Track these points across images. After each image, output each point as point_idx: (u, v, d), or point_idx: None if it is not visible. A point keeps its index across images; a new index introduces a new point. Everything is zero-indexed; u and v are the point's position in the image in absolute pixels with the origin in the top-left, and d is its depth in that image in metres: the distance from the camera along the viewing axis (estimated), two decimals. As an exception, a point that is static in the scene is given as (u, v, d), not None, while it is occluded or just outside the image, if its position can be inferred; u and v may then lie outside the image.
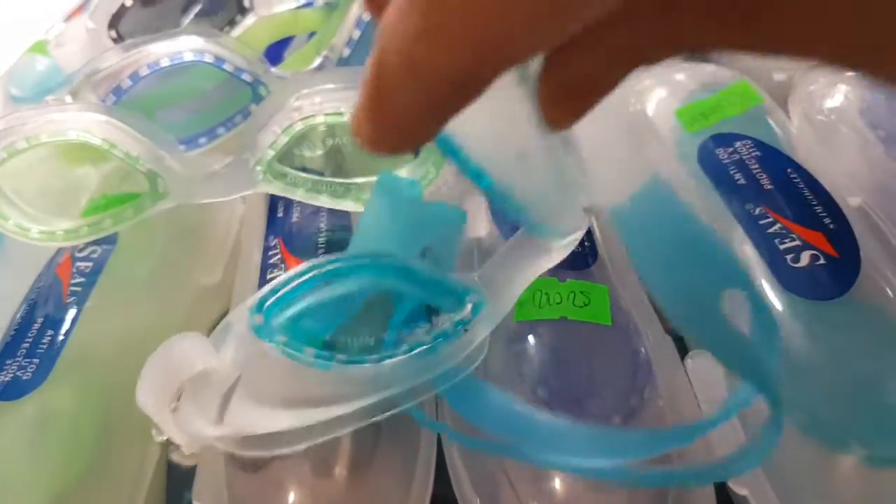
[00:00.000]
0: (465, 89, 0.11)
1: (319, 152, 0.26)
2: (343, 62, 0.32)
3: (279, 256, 0.26)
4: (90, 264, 0.27)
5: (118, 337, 0.25)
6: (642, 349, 0.22)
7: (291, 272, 0.19)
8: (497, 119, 0.13)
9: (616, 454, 0.17)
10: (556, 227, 0.19)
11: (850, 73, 0.30)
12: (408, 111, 0.11)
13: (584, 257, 0.24)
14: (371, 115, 0.11)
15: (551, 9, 0.10)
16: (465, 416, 0.18)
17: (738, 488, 0.20)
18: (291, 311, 0.19)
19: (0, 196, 0.25)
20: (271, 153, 0.24)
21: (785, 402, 0.21)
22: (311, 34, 0.35)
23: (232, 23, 0.35)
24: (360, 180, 0.26)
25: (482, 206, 0.27)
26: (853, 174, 0.27)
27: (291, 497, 0.20)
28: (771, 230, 0.24)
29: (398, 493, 0.21)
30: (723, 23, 0.11)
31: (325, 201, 0.26)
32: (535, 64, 0.13)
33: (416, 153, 0.25)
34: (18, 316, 0.25)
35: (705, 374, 0.22)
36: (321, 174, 0.26)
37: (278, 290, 0.18)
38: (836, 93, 0.30)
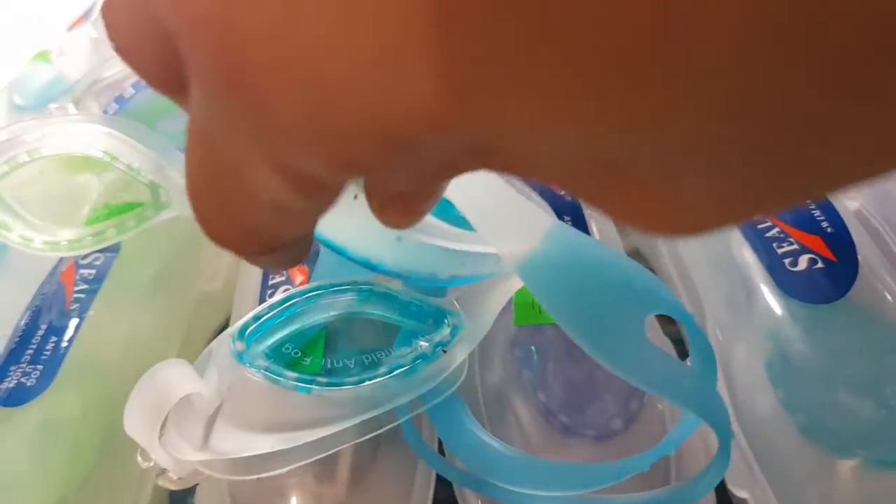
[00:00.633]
0: (259, 256, 0.12)
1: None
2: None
3: (281, 263, 0.26)
4: (93, 271, 0.27)
5: (121, 343, 0.25)
6: (642, 353, 0.22)
7: (273, 300, 0.20)
8: (361, 216, 0.13)
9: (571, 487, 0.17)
10: (488, 266, 0.19)
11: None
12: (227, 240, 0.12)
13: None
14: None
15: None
16: (444, 441, 0.19)
17: (738, 491, 0.20)
18: (273, 339, 0.19)
19: (3, 207, 0.25)
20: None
21: (784, 404, 0.21)
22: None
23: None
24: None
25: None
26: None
27: (293, 502, 0.21)
28: (769, 234, 0.24)
29: (399, 499, 0.21)
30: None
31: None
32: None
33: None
34: (22, 323, 0.25)
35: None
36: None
37: (260, 318, 0.19)
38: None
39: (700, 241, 0.26)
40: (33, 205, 0.26)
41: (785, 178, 0.08)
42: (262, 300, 0.24)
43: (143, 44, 0.10)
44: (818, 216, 0.24)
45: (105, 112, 0.27)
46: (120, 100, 0.27)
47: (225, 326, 0.23)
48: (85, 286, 0.26)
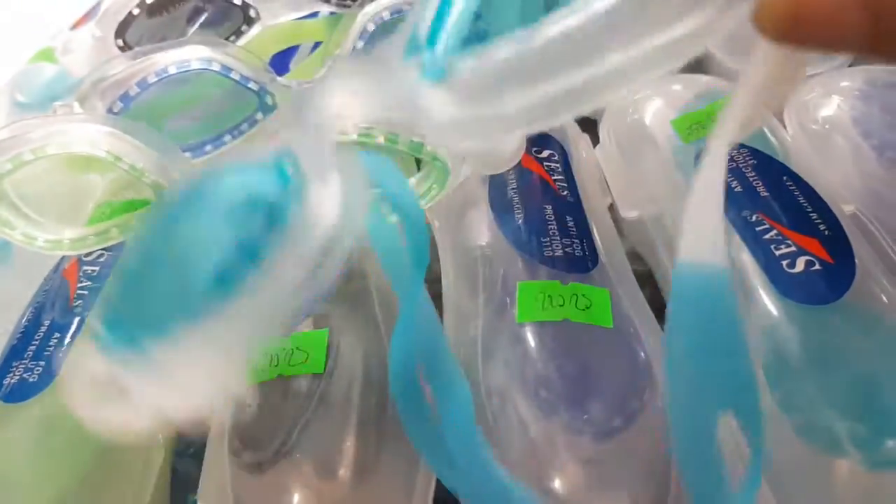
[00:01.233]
0: None
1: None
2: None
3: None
4: (97, 268, 0.27)
5: (124, 340, 0.25)
6: (642, 352, 0.22)
7: None
8: None
9: None
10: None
11: (843, 84, 0.31)
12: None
13: (585, 261, 0.25)
14: None
15: None
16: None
17: (736, 490, 0.21)
18: None
19: (7, 205, 0.25)
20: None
21: (780, 405, 0.21)
22: (316, 44, 0.36)
23: (238, 33, 0.36)
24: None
25: (485, 214, 0.27)
26: (847, 182, 0.27)
27: (296, 499, 0.21)
28: (767, 236, 0.24)
29: (402, 496, 0.21)
30: None
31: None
32: None
33: None
34: (25, 319, 0.25)
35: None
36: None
37: None
38: (831, 103, 0.30)
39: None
40: (36, 203, 0.26)
41: None
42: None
43: None
44: (815, 219, 0.25)
45: (110, 110, 0.27)
46: (125, 98, 0.27)
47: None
48: (88, 283, 0.26)
